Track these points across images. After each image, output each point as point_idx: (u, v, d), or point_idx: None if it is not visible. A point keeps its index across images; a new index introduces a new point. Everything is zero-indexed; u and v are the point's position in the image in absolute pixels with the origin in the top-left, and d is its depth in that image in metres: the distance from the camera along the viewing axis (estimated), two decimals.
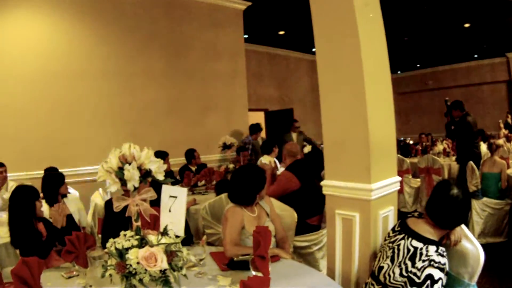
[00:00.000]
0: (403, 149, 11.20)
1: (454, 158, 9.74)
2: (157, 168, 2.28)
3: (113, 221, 3.43)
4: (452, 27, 13.76)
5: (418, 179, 8.83)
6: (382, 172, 3.12)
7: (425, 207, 2.65)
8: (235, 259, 2.79)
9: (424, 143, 11.77)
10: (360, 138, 3.05)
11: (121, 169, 2.19)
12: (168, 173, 6.99)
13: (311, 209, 4.61)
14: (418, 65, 21.09)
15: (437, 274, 2.32)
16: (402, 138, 16.08)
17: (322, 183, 3.36)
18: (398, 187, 3.35)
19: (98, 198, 5.52)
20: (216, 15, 9.68)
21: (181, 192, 2.56)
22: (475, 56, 19.14)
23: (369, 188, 2.97)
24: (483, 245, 5.88)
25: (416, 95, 22.00)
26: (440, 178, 8.47)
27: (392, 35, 13.87)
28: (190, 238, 4.36)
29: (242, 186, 3.33)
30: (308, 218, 4.56)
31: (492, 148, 6.86)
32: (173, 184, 6.20)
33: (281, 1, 9.61)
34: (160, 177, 2.30)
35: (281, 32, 12.63)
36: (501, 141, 9.54)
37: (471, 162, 7.03)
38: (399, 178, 3.35)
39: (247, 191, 3.31)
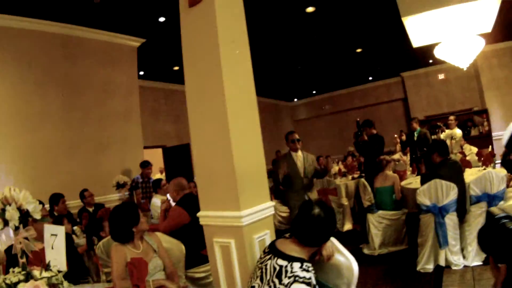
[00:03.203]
0: None
1: (350, 177, 10.09)
2: (34, 208, 2.48)
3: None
4: (344, 53, 14.33)
5: None
6: (252, 200, 3.26)
7: (290, 227, 2.79)
8: None
9: (322, 165, 12.11)
10: (227, 170, 3.18)
11: (3, 210, 2.38)
12: (67, 216, 6.88)
13: (203, 240, 4.69)
14: (314, 92, 21.72)
15: None
16: None
17: (198, 214, 3.49)
18: (272, 212, 3.48)
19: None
20: (111, 52, 9.64)
21: (60, 231, 2.68)
22: (370, 78, 20.04)
23: (239, 215, 3.10)
24: (385, 255, 6.23)
25: (314, 120, 22.67)
26: (337, 198, 8.80)
27: (285, 65, 14.30)
28: (86, 274, 4.42)
29: (116, 224, 3.53)
30: (202, 249, 4.63)
31: (383, 164, 7.21)
32: (73, 225, 6.21)
33: (174, 37, 9.63)
34: (37, 216, 2.44)
35: (176, 68, 12.61)
36: (397, 155, 9.98)
37: (363, 179, 7.38)
38: (272, 203, 3.48)
39: (121, 228, 3.49)
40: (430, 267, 5.69)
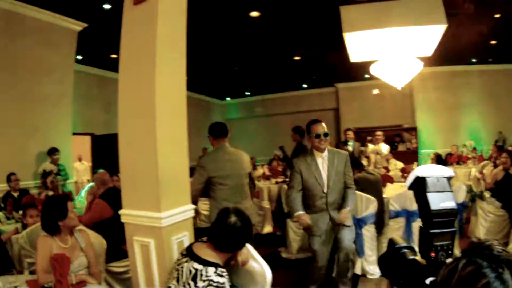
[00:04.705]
0: None
1: (274, 181, 10.20)
2: None
3: None
4: (283, 59, 14.51)
5: None
6: (173, 201, 3.31)
7: (208, 232, 2.88)
8: (45, 285, 2.96)
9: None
10: (150, 171, 3.23)
11: None
12: None
13: (125, 236, 4.72)
14: (248, 93, 21.88)
15: None
16: None
17: (120, 211, 3.51)
18: (192, 214, 3.55)
19: None
20: (51, 33, 9.36)
21: None
22: (305, 86, 20.37)
23: (158, 216, 3.15)
24: (303, 259, 6.29)
25: (245, 121, 22.79)
26: (258, 201, 8.91)
27: (222, 64, 14.31)
28: (10, 265, 4.39)
29: (44, 215, 3.49)
30: (123, 244, 4.66)
31: None
32: None
33: (116, 25, 9.47)
34: None
35: (114, 56, 12.20)
36: None
37: (285, 185, 7.50)
38: (193, 206, 3.56)
39: (48, 220, 3.44)
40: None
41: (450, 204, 1.61)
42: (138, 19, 3.47)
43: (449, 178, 1.71)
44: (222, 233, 2.79)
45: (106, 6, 8.75)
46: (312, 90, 21.10)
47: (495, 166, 8.02)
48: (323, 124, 4.89)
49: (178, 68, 3.52)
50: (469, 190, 7.67)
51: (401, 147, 17.96)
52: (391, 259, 1.68)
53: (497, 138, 16.41)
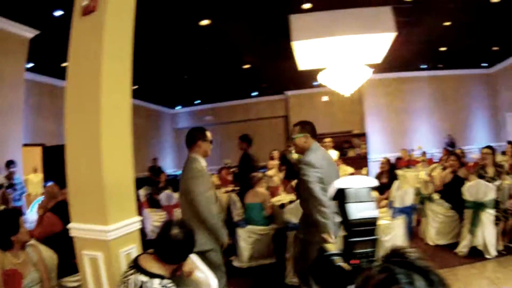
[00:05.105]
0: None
1: (224, 190, 10.18)
2: None
3: None
4: (232, 67, 14.61)
5: None
6: (119, 214, 3.35)
7: (153, 244, 2.95)
8: None
9: None
10: (96, 185, 3.25)
11: None
12: None
13: None
14: (199, 101, 21.81)
15: None
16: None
17: (68, 226, 3.52)
18: (139, 227, 3.58)
19: None
20: (1, 40, 9.07)
21: None
22: (255, 94, 20.49)
23: (105, 229, 3.18)
24: (256, 267, 6.37)
25: None
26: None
27: (172, 72, 14.20)
28: None
29: None
30: (74, 258, 4.65)
31: (253, 181, 7.33)
32: None
33: (68, 32, 9.25)
34: None
35: (64, 64, 11.75)
36: (271, 172, 10.18)
37: (233, 194, 7.57)
38: (139, 218, 3.59)
39: (1, 235, 3.43)
40: (297, 280, 5.89)
41: (370, 213, 1.73)
42: (85, 30, 3.50)
43: (372, 188, 1.82)
44: (165, 245, 2.85)
45: (58, 13, 8.58)
46: (262, 98, 21.26)
47: (444, 168, 8.28)
48: (293, 128, 4.52)
49: (123, 78, 3.57)
50: (418, 192, 7.91)
51: (351, 153, 18.32)
52: (321, 266, 1.78)
53: (446, 141, 16.87)
